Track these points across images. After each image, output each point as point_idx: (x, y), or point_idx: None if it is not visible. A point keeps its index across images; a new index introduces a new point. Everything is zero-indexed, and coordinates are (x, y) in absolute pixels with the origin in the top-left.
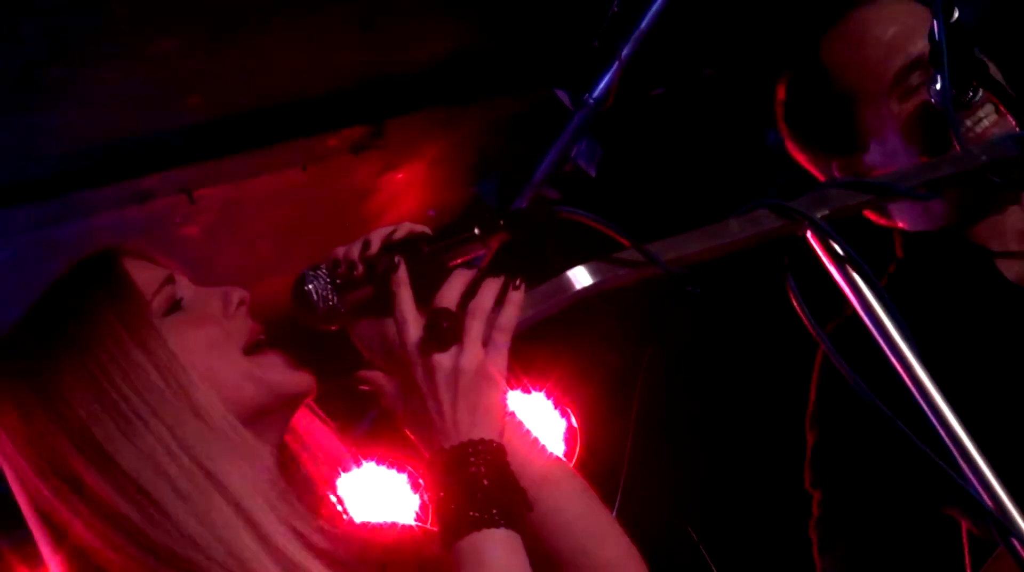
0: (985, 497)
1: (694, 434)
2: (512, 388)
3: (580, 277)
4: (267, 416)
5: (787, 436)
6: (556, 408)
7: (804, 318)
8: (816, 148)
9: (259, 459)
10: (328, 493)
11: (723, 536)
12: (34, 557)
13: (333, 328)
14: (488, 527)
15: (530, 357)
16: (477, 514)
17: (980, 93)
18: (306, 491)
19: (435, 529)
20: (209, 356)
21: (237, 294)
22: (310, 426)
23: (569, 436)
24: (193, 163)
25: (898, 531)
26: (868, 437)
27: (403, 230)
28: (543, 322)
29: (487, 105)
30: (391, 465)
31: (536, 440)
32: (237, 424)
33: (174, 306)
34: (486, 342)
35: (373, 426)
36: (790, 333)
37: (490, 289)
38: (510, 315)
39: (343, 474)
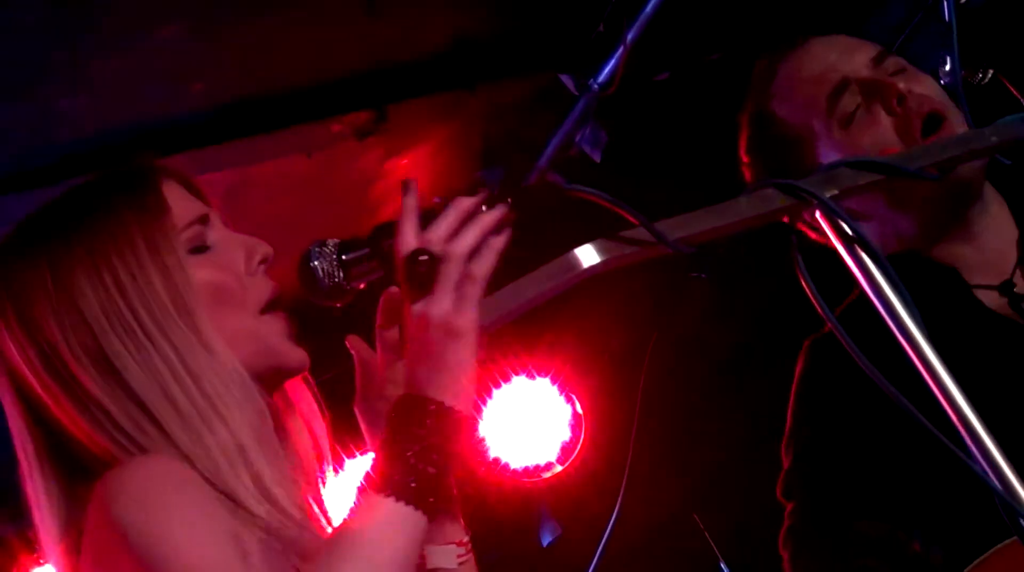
0: (994, 479)
1: (700, 420)
2: (516, 373)
3: (587, 255)
4: (261, 379)
5: None
6: (561, 394)
7: (812, 297)
8: None
9: (258, 408)
10: (308, 467)
11: (729, 524)
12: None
13: (338, 305)
14: (404, 502)
15: (535, 343)
16: (401, 482)
17: (990, 74)
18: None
19: None
20: (219, 306)
21: (261, 251)
22: (305, 402)
23: (574, 422)
24: (196, 149)
25: (868, 546)
26: (846, 452)
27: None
28: (548, 308)
29: (491, 90)
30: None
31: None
32: (242, 369)
33: (200, 247)
34: (458, 290)
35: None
36: (798, 317)
37: (474, 231)
38: (485, 263)
39: (325, 464)
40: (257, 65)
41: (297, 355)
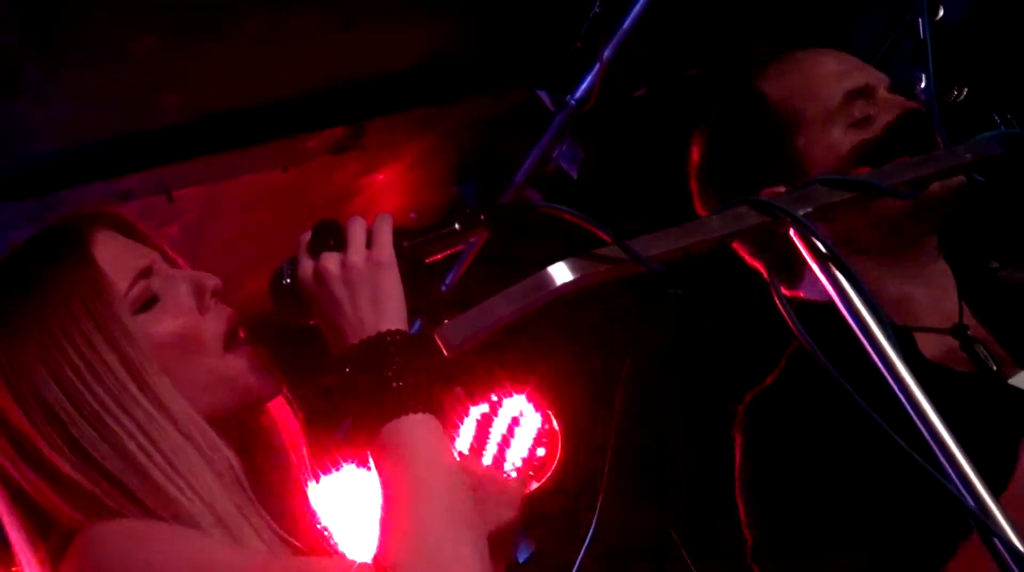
0: (966, 495)
1: (676, 436)
2: (492, 389)
3: (560, 273)
4: (238, 414)
5: None
6: (537, 410)
7: (786, 315)
8: (740, 189)
9: (225, 464)
10: (293, 487)
11: (705, 539)
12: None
13: (312, 322)
14: (405, 412)
15: (511, 359)
16: (392, 401)
17: (964, 92)
18: (271, 488)
19: None
20: (182, 356)
21: (210, 285)
22: (285, 418)
23: (550, 438)
24: (172, 163)
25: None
26: (801, 495)
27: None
28: (525, 325)
29: (468, 106)
30: (371, 468)
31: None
32: (205, 426)
33: (148, 302)
34: (369, 239)
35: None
36: (772, 333)
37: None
38: (387, 214)
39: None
40: (233, 79)
41: (270, 384)
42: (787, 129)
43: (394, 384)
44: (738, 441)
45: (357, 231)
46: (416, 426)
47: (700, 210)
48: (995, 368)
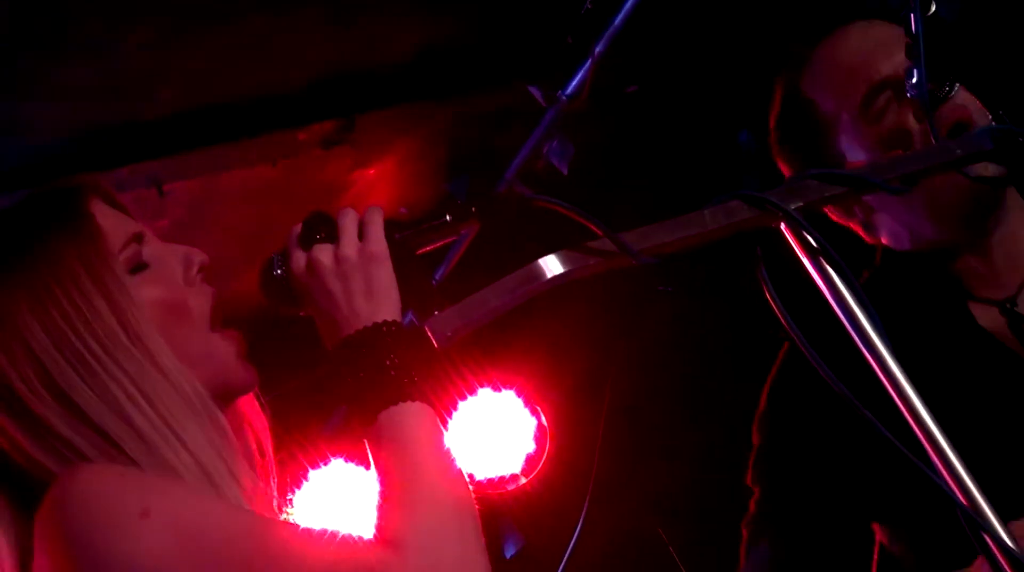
0: (957, 492)
1: (665, 434)
2: (482, 385)
3: (551, 265)
4: (214, 395)
5: None
6: (526, 406)
7: (776, 310)
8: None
9: (219, 425)
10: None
11: (693, 537)
12: None
13: (302, 313)
14: (401, 401)
15: (500, 355)
16: (388, 390)
17: (956, 87)
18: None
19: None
20: (169, 323)
21: (197, 259)
22: (256, 418)
23: (539, 435)
24: (163, 156)
25: (823, 537)
26: (813, 443)
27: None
28: (514, 320)
29: (459, 101)
30: (359, 462)
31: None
32: (197, 383)
33: (139, 266)
34: (361, 231)
35: (341, 423)
36: (764, 330)
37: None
38: (376, 206)
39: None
40: (224, 73)
41: (248, 374)
42: (829, 129)
43: (392, 372)
44: (772, 375)
45: (349, 223)
46: (414, 414)
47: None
48: None
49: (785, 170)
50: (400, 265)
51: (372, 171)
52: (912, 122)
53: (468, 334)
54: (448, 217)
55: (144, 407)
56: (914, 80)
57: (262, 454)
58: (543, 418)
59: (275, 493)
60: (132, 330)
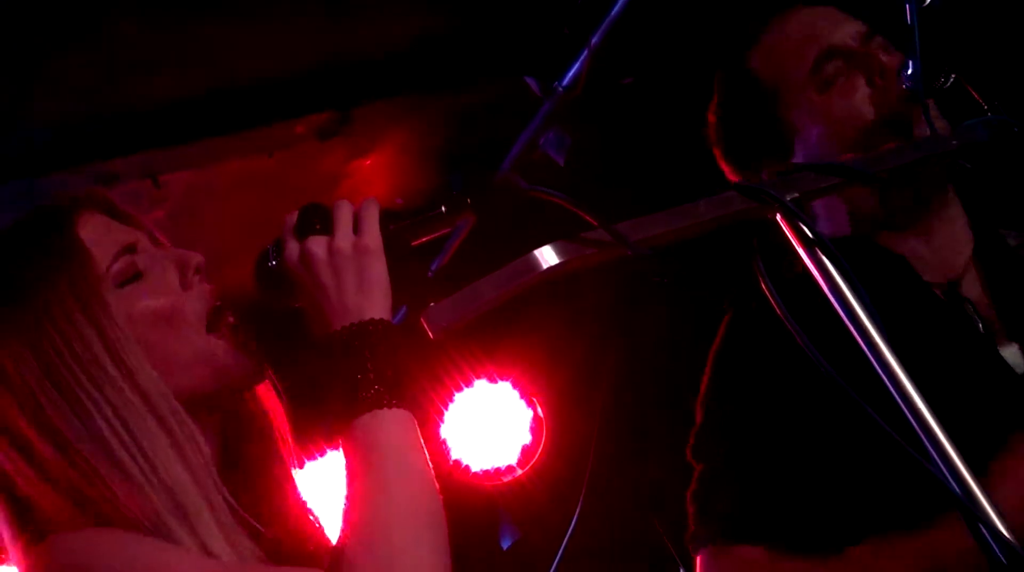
0: (952, 482)
1: (661, 425)
2: (478, 377)
3: (547, 256)
4: (217, 394)
5: None
6: (522, 397)
7: (773, 301)
8: (748, 162)
9: (199, 450)
10: (275, 469)
11: (688, 527)
12: None
13: (297, 305)
14: (379, 407)
15: (496, 346)
16: (368, 395)
17: (952, 78)
18: (251, 474)
19: None
20: (164, 332)
21: (193, 262)
22: (269, 399)
23: (535, 426)
24: (158, 147)
25: (770, 507)
26: (759, 417)
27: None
28: (510, 312)
29: (455, 92)
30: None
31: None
32: (180, 411)
33: (131, 277)
34: (356, 224)
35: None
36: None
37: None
38: (370, 197)
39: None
40: (219, 64)
41: (251, 368)
42: (773, 101)
43: (372, 375)
44: (715, 349)
45: (344, 215)
46: (389, 422)
47: (729, 175)
48: (982, 329)
49: (726, 167)
50: (395, 256)
51: (368, 162)
52: (862, 87)
53: (464, 325)
54: (443, 208)
55: (123, 436)
56: (909, 71)
57: (283, 440)
58: (539, 409)
59: (296, 472)
60: (116, 355)
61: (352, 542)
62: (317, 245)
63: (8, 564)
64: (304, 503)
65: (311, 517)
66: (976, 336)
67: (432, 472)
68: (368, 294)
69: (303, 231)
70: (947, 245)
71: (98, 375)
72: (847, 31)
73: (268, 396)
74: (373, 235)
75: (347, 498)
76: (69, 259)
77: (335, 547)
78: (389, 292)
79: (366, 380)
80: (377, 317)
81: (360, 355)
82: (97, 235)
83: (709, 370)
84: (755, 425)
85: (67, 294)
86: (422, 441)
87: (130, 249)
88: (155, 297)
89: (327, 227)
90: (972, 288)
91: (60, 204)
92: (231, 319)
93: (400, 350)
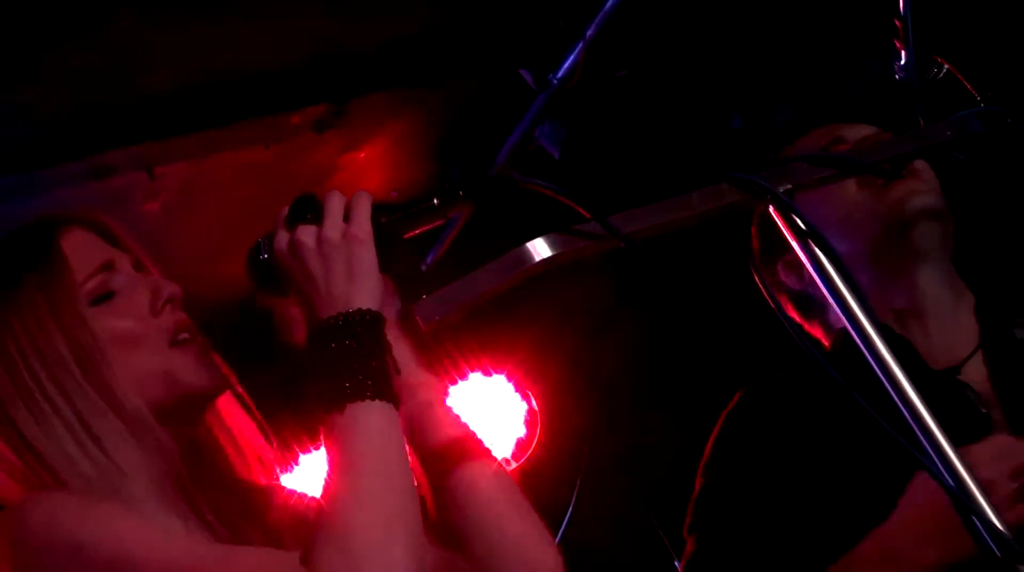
0: (945, 475)
1: (656, 418)
2: (472, 370)
3: (540, 249)
4: (178, 411)
5: None
6: (517, 391)
7: (767, 296)
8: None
9: (167, 457)
10: (243, 479)
11: (684, 522)
12: None
13: (287, 296)
14: (363, 398)
15: (490, 339)
16: (351, 385)
17: (944, 69)
18: (214, 486)
19: None
20: (126, 351)
21: (167, 290)
22: (235, 415)
23: (530, 419)
24: (154, 139)
25: None
26: (756, 493)
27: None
28: (504, 304)
29: (450, 84)
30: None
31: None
32: (150, 419)
33: (104, 296)
34: (347, 214)
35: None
36: (753, 314)
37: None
38: (360, 189)
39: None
40: (216, 56)
41: (212, 380)
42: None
43: (356, 365)
44: (719, 426)
45: (335, 205)
46: (371, 413)
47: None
48: (985, 412)
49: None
50: (388, 248)
51: (363, 154)
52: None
53: (457, 318)
54: (436, 200)
55: (88, 445)
56: (903, 62)
57: (246, 455)
58: (534, 402)
59: (285, 476)
60: (86, 363)
61: (323, 539)
62: (306, 234)
63: None
64: (266, 513)
65: (273, 526)
66: (976, 422)
67: (410, 466)
68: (357, 283)
69: (294, 221)
70: (945, 335)
71: (62, 377)
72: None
73: (231, 409)
74: (363, 224)
75: (323, 490)
76: (44, 266)
77: (309, 541)
78: (379, 281)
79: (350, 370)
80: (365, 306)
81: (346, 345)
82: (78, 250)
83: (712, 443)
84: (750, 513)
85: (39, 298)
86: (401, 436)
87: (107, 267)
88: (121, 319)
89: (318, 217)
90: (975, 374)
91: (51, 216)
92: (194, 337)
93: (384, 341)
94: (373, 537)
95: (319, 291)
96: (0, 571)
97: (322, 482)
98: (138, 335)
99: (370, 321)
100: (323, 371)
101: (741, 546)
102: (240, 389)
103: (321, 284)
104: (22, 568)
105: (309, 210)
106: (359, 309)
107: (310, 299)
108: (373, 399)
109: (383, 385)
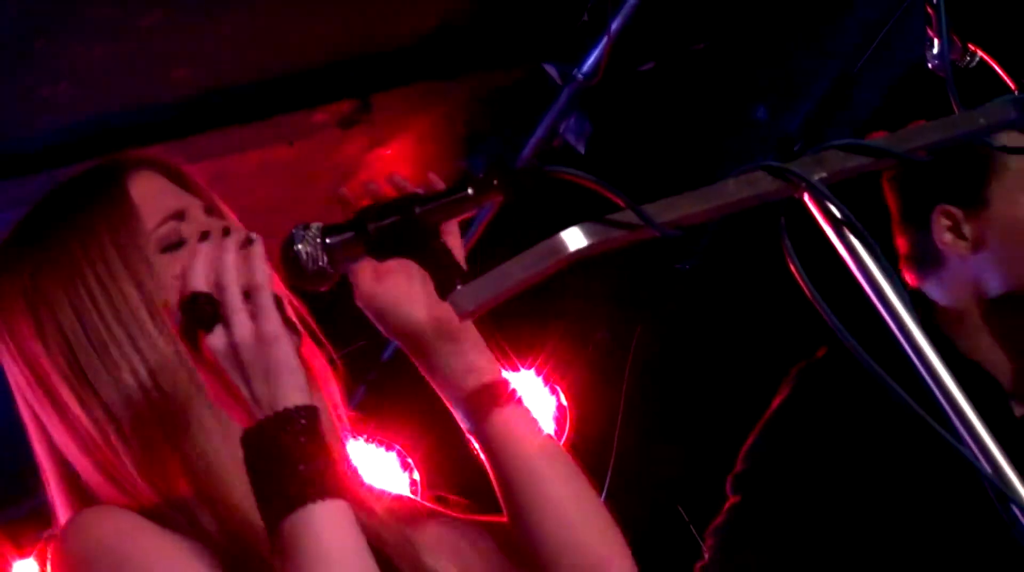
0: (983, 462)
1: (685, 412)
2: (501, 365)
3: (574, 238)
4: None
5: None
6: (545, 386)
7: (801, 281)
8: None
9: (235, 426)
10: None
11: (714, 516)
12: (22, 539)
13: (323, 289)
14: (303, 504)
15: (519, 334)
16: (291, 492)
17: (977, 57)
18: None
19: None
20: None
21: (240, 234)
22: (320, 368)
23: (559, 414)
24: (178, 138)
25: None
26: (794, 510)
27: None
28: (533, 300)
29: (475, 79)
30: (380, 443)
31: (530, 414)
32: None
33: (174, 244)
34: (251, 310)
35: (362, 404)
36: (785, 307)
37: (228, 253)
38: (258, 269)
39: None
40: (239, 53)
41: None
42: None
43: (287, 471)
44: (775, 407)
45: (232, 301)
46: (316, 517)
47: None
48: None
49: None
50: (422, 240)
51: (389, 151)
52: None
53: (491, 308)
54: (470, 190)
55: (153, 396)
56: (935, 51)
57: (336, 406)
58: (563, 397)
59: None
60: (157, 314)
61: None
62: (216, 339)
63: (27, 559)
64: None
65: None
66: None
67: (365, 557)
68: (276, 381)
69: (200, 323)
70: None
71: (138, 335)
72: None
73: (318, 364)
74: (272, 319)
75: None
76: (113, 211)
77: None
78: (303, 374)
79: (285, 476)
80: (290, 405)
81: (280, 449)
82: (148, 195)
83: (767, 424)
84: (806, 492)
85: (108, 244)
86: (357, 531)
87: (178, 215)
88: None
89: (217, 316)
90: None
91: (117, 161)
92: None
93: (320, 436)
94: None
95: (242, 397)
96: None
97: None
98: None
99: (303, 415)
100: (260, 481)
101: (777, 526)
102: (320, 334)
103: (243, 390)
104: None
105: (208, 305)
106: (285, 408)
107: (237, 407)
108: (314, 501)
109: (324, 483)
